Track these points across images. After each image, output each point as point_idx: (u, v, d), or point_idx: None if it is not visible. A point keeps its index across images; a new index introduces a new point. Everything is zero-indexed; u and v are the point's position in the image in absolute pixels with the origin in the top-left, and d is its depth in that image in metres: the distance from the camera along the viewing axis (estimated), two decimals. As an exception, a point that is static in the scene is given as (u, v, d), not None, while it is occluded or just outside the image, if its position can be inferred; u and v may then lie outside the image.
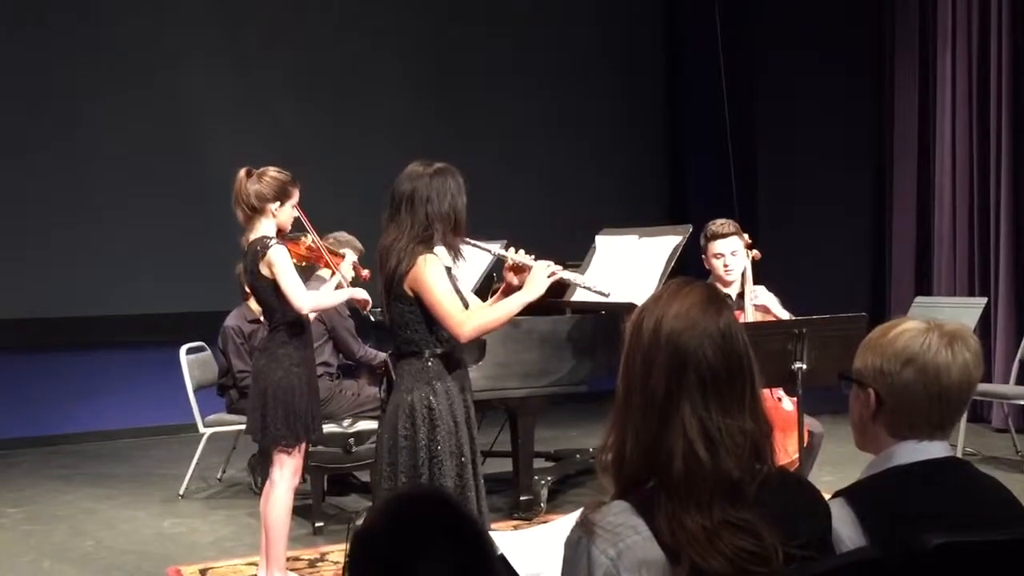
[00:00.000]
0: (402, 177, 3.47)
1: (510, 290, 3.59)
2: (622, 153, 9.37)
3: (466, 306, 3.51)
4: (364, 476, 5.59)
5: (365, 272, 4.72)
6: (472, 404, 3.59)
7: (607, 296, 3.82)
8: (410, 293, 3.40)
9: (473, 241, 3.59)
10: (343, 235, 5.47)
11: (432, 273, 3.36)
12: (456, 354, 3.54)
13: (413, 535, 1.48)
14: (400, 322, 3.46)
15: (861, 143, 8.76)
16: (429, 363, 3.46)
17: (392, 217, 3.45)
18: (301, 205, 4.23)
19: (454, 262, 3.51)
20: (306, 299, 4.13)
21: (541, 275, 3.52)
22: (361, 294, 4.46)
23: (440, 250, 3.46)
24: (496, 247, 3.83)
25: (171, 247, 7.77)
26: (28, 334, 7.52)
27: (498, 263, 3.95)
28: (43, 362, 7.62)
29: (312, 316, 4.42)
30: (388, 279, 3.44)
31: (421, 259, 3.36)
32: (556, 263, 3.62)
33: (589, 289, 3.81)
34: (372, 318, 5.70)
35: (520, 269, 3.58)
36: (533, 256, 3.60)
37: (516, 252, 3.63)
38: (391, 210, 3.46)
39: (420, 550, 1.47)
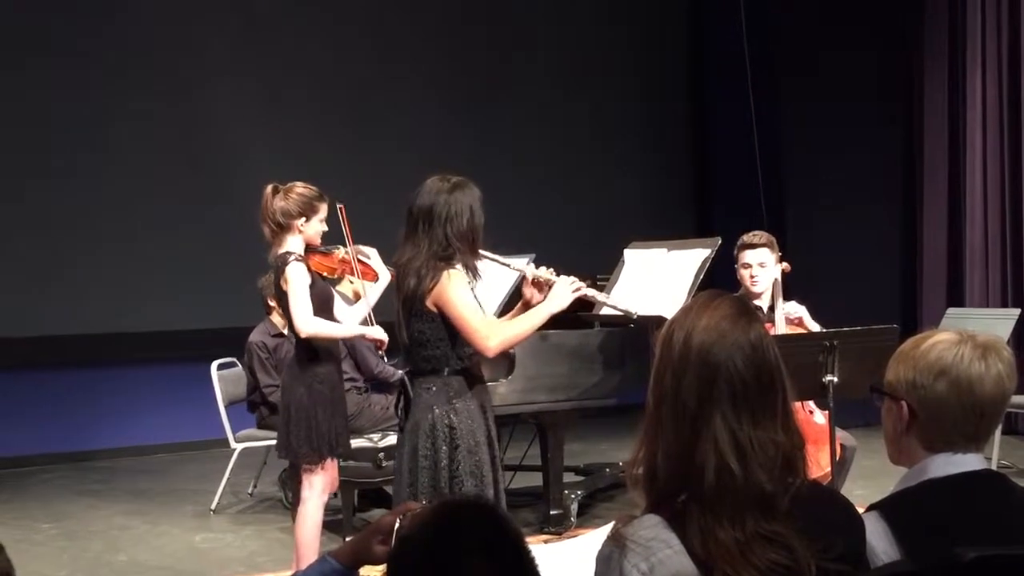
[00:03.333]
0: (420, 192, 3.42)
1: (529, 307, 3.56)
2: (648, 163, 9.35)
3: None
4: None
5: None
6: (493, 422, 3.55)
7: (633, 315, 3.79)
8: (433, 309, 3.35)
9: (493, 256, 3.55)
10: (364, 249, 5.47)
11: (458, 288, 3.33)
12: (476, 371, 3.49)
13: (455, 542, 1.49)
14: (420, 340, 3.40)
15: (891, 152, 8.69)
16: (450, 381, 3.41)
17: (408, 236, 3.40)
18: (349, 219, 4.20)
19: (473, 280, 3.43)
20: (309, 324, 4.06)
21: (565, 289, 3.49)
22: (377, 333, 4.36)
23: (460, 268, 3.41)
24: (521, 262, 3.79)
25: (203, 264, 7.82)
26: (61, 351, 7.58)
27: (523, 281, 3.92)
28: (76, 378, 7.68)
29: None
30: (408, 298, 3.38)
31: (446, 275, 3.32)
32: (586, 276, 3.61)
33: (614, 307, 3.79)
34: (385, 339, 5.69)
35: (541, 285, 3.54)
36: (553, 271, 3.57)
37: (539, 269, 3.59)
38: (407, 227, 3.41)
39: (461, 558, 1.48)
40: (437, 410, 3.38)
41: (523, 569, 1.52)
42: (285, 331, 4.64)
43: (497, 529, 1.54)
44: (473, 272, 3.42)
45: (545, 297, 3.52)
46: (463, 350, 3.41)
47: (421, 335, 3.40)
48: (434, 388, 3.40)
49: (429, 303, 3.34)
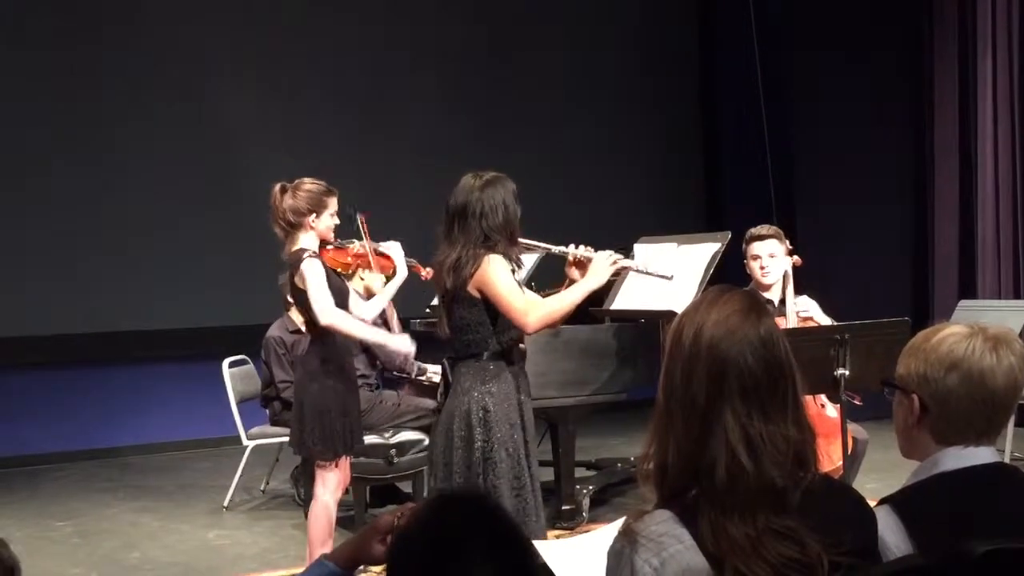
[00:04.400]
0: (456, 191, 3.50)
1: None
2: (658, 159, 9.35)
3: None
4: (407, 487, 5.60)
5: (426, 271, 4.62)
6: (530, 407, 3.62)
7: (670, 278, 3.82)
8: (476, 294, 3.44)
9: (530, 241, 3.63)
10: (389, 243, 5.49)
11: (497, 269, 3.41)
12: (514, 356, 3.56)
13: (450, 536, 1.48)
14: (460, 325, 3.50)
15: (901, 145, 8.67)
16: (487, 365, 3.50)
17: (446, 235, 3.49)
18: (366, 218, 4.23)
19: (515, 271, 3.53)
20: (329, 313, 4.07)
21: (603, 263, 3.57)
22: (401, 345, 4.39)
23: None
24: (556, 247, 3.83)
25: (213, 261, 7.85)
26: (73, 349, 7.62)
27: (543, 259, 3.97)
28: (88, 377, 7.72)
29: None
30: (450, 290, 3.46)
31: (486, 259, 3.41)
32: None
33: (651, 274, 3.82)
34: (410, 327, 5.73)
35: (582, 264, 3.62)
36: (591, 248, 3.65)
37: (576, 247, 3.66)
38: (445, 227, 3.50)
39: (456, 551, 1.47)
40: (475, 393, 3.47)
41: (523, 562, 1.50)
42: (303, 328, 4.63)
43: (496, 522, 1.53)
44: (516, 263, 3.52)
45: (583, 276, 3.59)
46: (503, 336, 3.49)
47: (462, 320, 3.49)
48: (472, 371, 3.50)
49: (472, 288, 3.43)
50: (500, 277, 3.41)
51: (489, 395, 3.47)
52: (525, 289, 3.66)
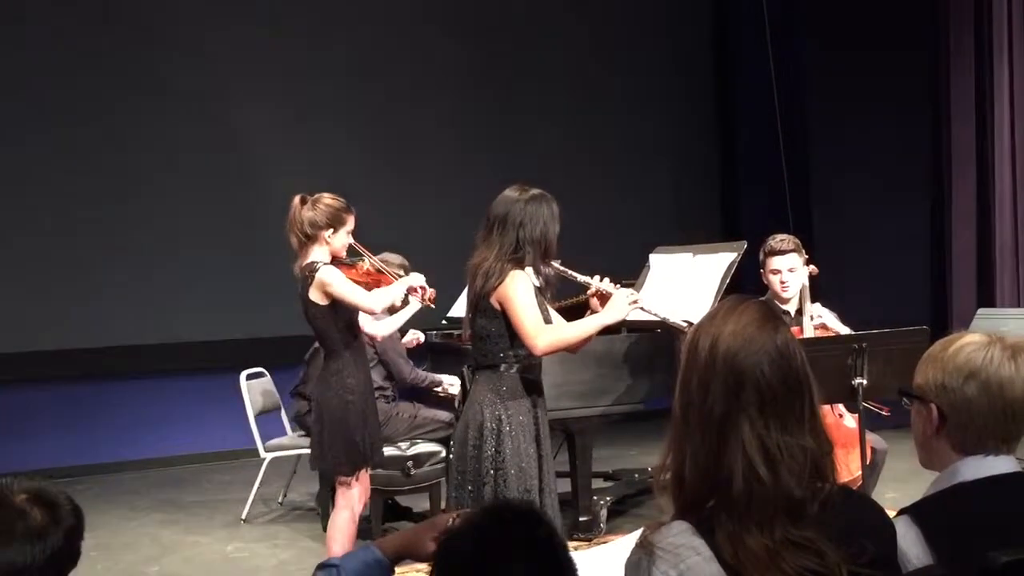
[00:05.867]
0: (498, 201, 3.58)
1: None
2: (674, 166, 9.35)
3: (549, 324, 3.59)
4: (424, 500, 5.59)
5: (430, 292, 4.59)
6: (546, 424, 3.65)
7: (685, 328, 3.83)
8: (497, 307, 3.49)
9: (562, 268, 3.68)
10: (391, 256, 5.50)
11: (519, 287, 3.47)
12: (532, 370, 3.62)
13: (503, 543, 1.52)
14: (482, 334, 3.56)
15: (918, 153, 8.64)
16: (504, 377, 3.55)
17: (484, 238, 3.56)
18: (353, 231, 4.26)
19: (544, 286, 3.60)
20: (373, 300, 4.17)
21: (622, 301, 3.61)
22: (417, 280, 4.42)
23: (529, 271, 3.55)
24: (586, 278, 3.85)
25: (231, 275, 7.88)
26: (92, 363, 7.66)
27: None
28: (107, 390, 7.75)
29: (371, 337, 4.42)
30: (475, 296, 3.54)
31: (511, 274, 3.47)
32: (611, 278, 3.69)
33: (666, 321, 3.87)
34: (422, 338, 5.73)
35: (603, 296, 3.68)
36: (617, 285, 3.72)
37: (600, 280, 3.72)
38: (484, 231, 3.57)
39: (509, 558, 1.52)
40: (489, 404, 3.52)
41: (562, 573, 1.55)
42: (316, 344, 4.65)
43: (545, 536, 1.58)
44: (545, 279, 3.59)
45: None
46: (521, 349, 3.54)
47: (483, 330, 3.56)
48: (490, 382, 3.55)
49: (494, 300, 3.49)
50: (520, 294, 3.46)
51: (504, 407, 3.52)
52: (551, 309, 3.67)
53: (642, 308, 3.73)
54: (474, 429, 3.52)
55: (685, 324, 3.84)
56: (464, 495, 3.52)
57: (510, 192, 3.59)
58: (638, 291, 5.01)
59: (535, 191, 3.59)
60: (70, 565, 1.81)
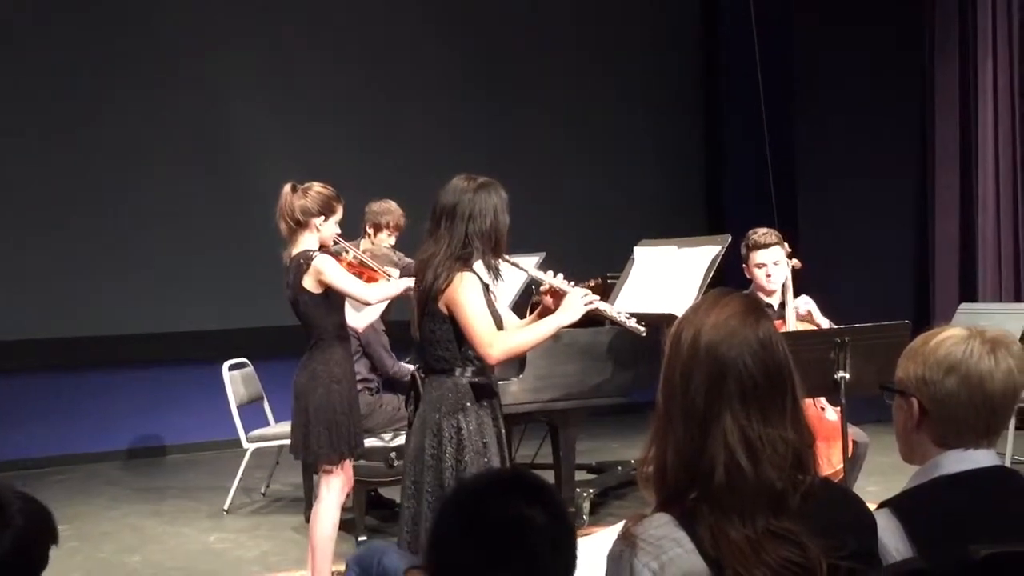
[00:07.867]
0: (445, 190, 3.40)
1: (545, 312, 3.54)
2: (659, 161, 9.35)
3: (501, 325, 3.43)
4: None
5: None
6: (503, 428, 3.52)
7: (642, 332, 3.74)
8: (444, 310, 3.34)
9: (508, 258, 3.51)
10: (379, 248, 5.50)
11: (468, 291, 3.31)
12: (487, 373, 3.47)
13: (504, 492, 1.58)
14: (431, 339, 3.40)
15: (902, 148, 8.66)
16: (459, 382, 3.39)
17: (432, 232, 3.40)
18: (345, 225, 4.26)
19: (493, 281, 3.43)
20: (370, 291, 4.24)
21: (577, 301, 3.46)
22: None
23: (479, 267, 3.40)
24: (532, 263, 3.77)
25: (215, 265, 7.84)
26: (74, 353, 7.62)
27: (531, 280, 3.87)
28: (89, 380, 7.71)
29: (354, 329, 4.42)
30: (423, 294, 3.38)
31: (458, 277, 3.30)
32: (597, 275, 3.59)
33: (622, 325, 3.72)
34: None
35: (556, 294, 3.52)
36: (572, 283, 3.55)
37: (555, 276, 3.57)
38: (431, 224, 3.41)
39: (526, 505, 1.56)
40: (445, 410, 3.37)
41: (566, 527, 1.59)
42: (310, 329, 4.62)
43: (543, 484, 1.62)
44: (495, 273, 3.41)
45: (557, 306, 3.50)
46: (470, 353, 3.39)
47: (432, 335, 3.40)
48: (444, 388, 3.39)
49: (441, 304, 3.34)
50: (469, 300, 3.30)
51: (462, 413, 3.36)
52: (507, 309, 3.56)
53: (597, 308, 3.56)
54: (431, 437, 3.36)
55: (641, 328, 3.73)
56: (423, 507, 3.35)
57: (457, 181, 3.39)
58: (622, 284, 5.05)
59: (482, 179, 3.40)
60: (31, 571, 1.74)
